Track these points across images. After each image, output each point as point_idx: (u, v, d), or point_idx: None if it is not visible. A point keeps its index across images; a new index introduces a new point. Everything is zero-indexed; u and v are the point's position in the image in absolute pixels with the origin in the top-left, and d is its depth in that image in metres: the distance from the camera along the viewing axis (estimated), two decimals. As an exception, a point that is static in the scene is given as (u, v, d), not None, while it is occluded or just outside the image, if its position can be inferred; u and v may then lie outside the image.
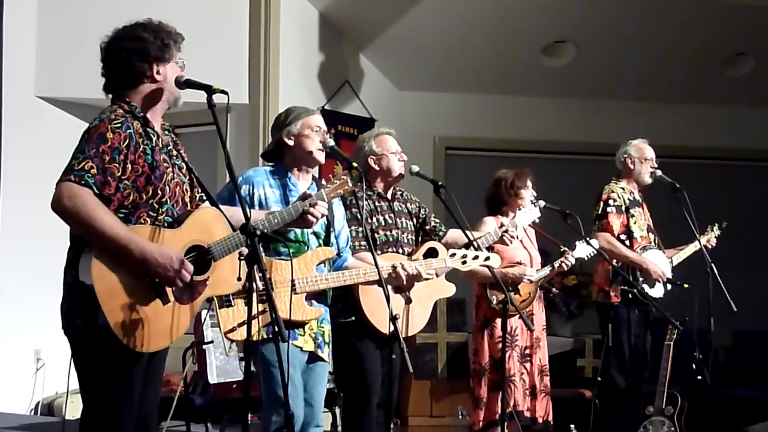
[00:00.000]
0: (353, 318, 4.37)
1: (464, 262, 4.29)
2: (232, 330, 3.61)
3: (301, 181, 3.97)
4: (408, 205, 4.80)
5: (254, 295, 2.99)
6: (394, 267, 4.11)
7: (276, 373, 3.63)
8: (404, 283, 4.18)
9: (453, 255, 4.29)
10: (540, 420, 5.41)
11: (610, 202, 5.81)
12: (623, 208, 5.82)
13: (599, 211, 5.81)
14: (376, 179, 4.65)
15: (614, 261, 5.65)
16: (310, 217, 3.53)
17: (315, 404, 3.94)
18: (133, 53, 3.13)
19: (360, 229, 4.38)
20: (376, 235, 4.52)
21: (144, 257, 2.93)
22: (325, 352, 3.98)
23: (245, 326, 3.56)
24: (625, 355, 5.72)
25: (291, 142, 3.95)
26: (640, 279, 5.66)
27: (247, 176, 3.91)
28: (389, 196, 4.70)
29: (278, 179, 3.94)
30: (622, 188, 5.90)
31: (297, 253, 3.80)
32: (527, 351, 5.39)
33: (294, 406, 3.68)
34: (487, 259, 4.35)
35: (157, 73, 3.15)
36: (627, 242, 5.77)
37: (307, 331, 3.87)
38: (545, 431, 5.46)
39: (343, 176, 3.64)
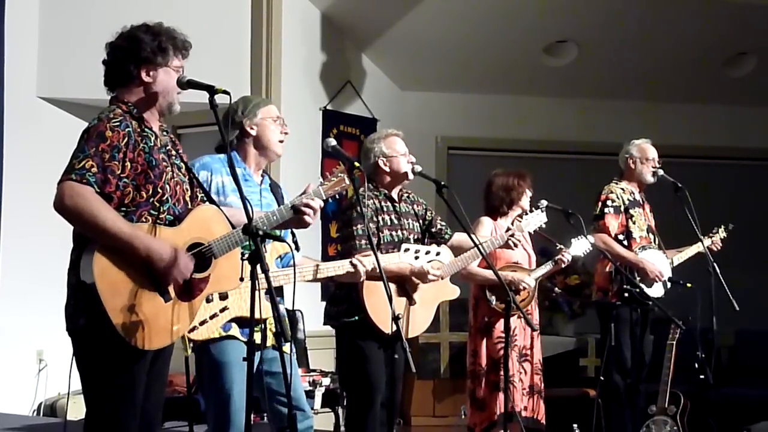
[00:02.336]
0: (357, 318, 4.37)
1: (417, 258, 4.22)
2: (194, 329, 3.52)
3: (255, 176, 3.90)
4: (415, 206, 4.80)
5: (257, 294, 2.98)
6: (351, 263, 4.00)
7: (227, 377, 3.53)
8: (361, 279, 4.07)
9: (406, 250, 4.22)
10: (533, 419, 5.42)
11: (608, 202, 5.83)
12: (622, 208, 5.83)
13: (597, 212, 5.84)
14: (384, 180, 4.65)
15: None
16: (305, 217, 3.43)
17: (302, 405, 3.82)
18: (123, 52, 3.14)
19: (363, 227, 4.38)
20: (381, 234, 4.52)
21: (148, 253, 2.94)
22: (286, 346, 3.90)
23: (205, 325, 3.52)
24: (625, 355, 5.73)
25: (253, 132, 3.87)
26: (637, 279, 5.66)
27: (205, 163, 3.80)
28: (395, 196, 4.70)
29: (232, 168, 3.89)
30: (622, 189, 5.92)
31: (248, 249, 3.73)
32: (525, 351, 5.39)
33: (239, 415, 3.51)
34: (438, 254, 4.29)
35: (147, 75, 3.14)
36: (625, 242, 5.79)
37: (268, 326, 3.70)
38: (538, 431, 5.46)
39: (340, 174, 3.59)
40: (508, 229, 5.03)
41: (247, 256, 3.00)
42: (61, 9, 6.87)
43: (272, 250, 3.76)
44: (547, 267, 5.40)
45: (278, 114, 3.95)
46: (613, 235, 5.77)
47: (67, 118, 6.87)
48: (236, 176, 3.09)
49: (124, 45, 3.14)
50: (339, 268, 3.98)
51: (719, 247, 5.95)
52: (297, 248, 3.92)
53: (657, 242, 5.94)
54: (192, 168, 3.72)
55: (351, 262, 4.00)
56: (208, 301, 3.48)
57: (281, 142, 3.91)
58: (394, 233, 4.58)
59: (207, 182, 3.73)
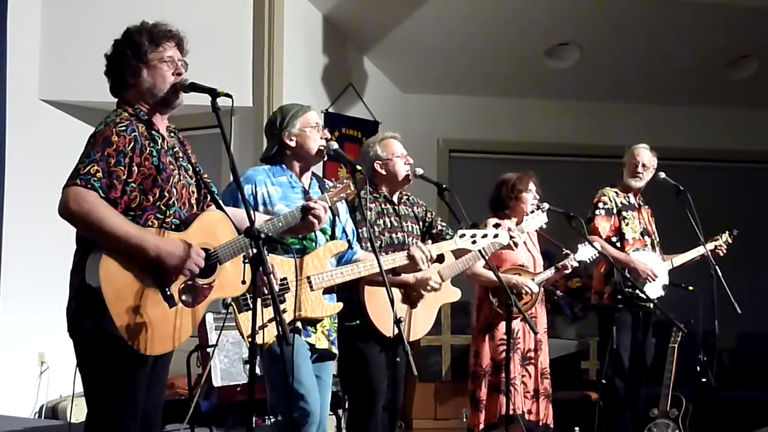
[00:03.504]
0: (358, 321, 4.37)
1: (474, 242, 4.26)
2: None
3: (302, 180, 3.97)
4: (414, 209, 4.80)
5: (258, 297, 2.99)
6: (410, 254, 4.06)
7: (294, 367, 3.59)
8: (424, 263, 4.11)
9: (463, 236, 4.26)
10: (540, 423, 5.41)
11: (600, 205, 5.91)
12: (614, 211, 5.90)
13: (588, 215, 5.89)
14: (382, 183, 4.65)
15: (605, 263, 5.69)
16: (311, 218, 3.49)
17: (321, 410, 3.92)
18: (110, 62, 3.19)
19: (365, 230, 4.38)
20: (381, 237, 4.52)
21: (158, 252, 2.94)
22: (336, 347, 3.98)
23: (267, 329, 3.57)
24: (624, 358, 5.74)
25: (293, 143, 3.95)
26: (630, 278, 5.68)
27: (249, 175, 3.88)
28: (395, 199, 4.70)
29: (279, 177, 3.93)
30: (616, 192, 5.99)
31: (307, 250, 3.79)
32: (529, 354, 5.39)
33: (312, 399, 3.69)
34: (496, 236, 4.31)
35: (132, 77, 3.15)
36: (618, 244, 5.84)
37: (320, 328, 3.86)
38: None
39: (345, 179, 3.64)
40: (509, 230, 5.03)
41: (249, 258, 3.00)
42: (63, 11, 6.87)
43: (326, 250, 3.80)
44: (551, 272, 5.40)
45: (317, 120, 4.01)
46: (604, 237, 5.83)
47: (69, 121, 6.87)
48: (237, 178, 3.12)
49: (109, 55, 3.19)
50: (396, 261, 4.03)
51: (724, 252, 5.96)
52: (350, 247, 4.05)
53: (655, 245, 5.96)
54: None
55: (408, 252, 4.06)
56: (265, 306, 3.49)
57: (323, 147, 3.96)
58: (394, 235, 4.58)
59: (252, 195, 3.79)
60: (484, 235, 4.27)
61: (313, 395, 3.72)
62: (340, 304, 3.91)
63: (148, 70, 3.15)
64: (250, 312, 3.54)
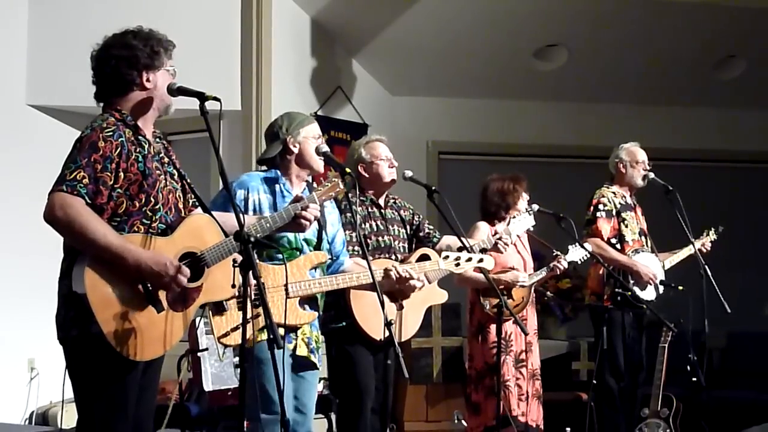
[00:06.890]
0: (344, 324, 4.36)
1: (457, 265, 4.29)
2: (226, 335, 3.60)
3: (295, 188, 3.97)
4: (401, 212, 4.79)
5: (249, 301, 2.99)
6: (386, 270, 4.11)
7: (266, 371, 3.62)
8: (396, 285, 4.17)
9: (446, 257, 4.28)
10: (533, 425, 5.41)
11: (600, 206, 5.86)
12: (614, 212, 5.86)
13: (589, 216, 5.86)
14: (367, 186, 4.65)
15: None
16: (302, 220, 3.51)
17: (307, 411, 3.94)
18: (122, 61, 3.14)
19: (354, 234, 4.38)
20: (368, 240, 4.52)
21: (138, 265, 2.93)
22: (316, 358, 3.98)
23: (239, 331, 3.57)
24: (619, 358, 5.74)
25: (296, 149, 3.96)
26: (631, 282, 5.68)
27: (242, 181, 3.90)
28: (382, 202, 4.70)
29: (271, 185, 3.93)
30: (614, 193, 5.94)
31: (290, 259, 3.79)
32: (522, 356, 5.39)
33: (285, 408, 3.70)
34: (481, 261, 4.35)
35: (147, 80, 3.15)
36: (618, 246, 5.82)
37: (300, 335, 3.87)
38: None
39: (333, 179, 3.64)
40: (495, 233, 5.03)
41: (239, 263, 2.99)
42: (51, 16, 6.85)
43: (306, 260, 3.81)
44: (542, 273, 5.41)
45: (319, 133, 4.02)
46: (605, 239, 5.80)
47: (57, 126, 6.84)
48: (226, 182, 3.11)
49: (123, 53, 3.14)
50: (378, 277, 4.02)
51: (708, 249, 5.97)
52: (334, 258, 4.06)
53: (650, 246, 5.96)
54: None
55: (386, 269, 4.12)
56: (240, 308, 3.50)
57: (319, 157, 3.97)
58: (380, 239, 4.58)
59: (243, 200, 3.81)
60: (469, 259, 4.30)
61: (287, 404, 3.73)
62: (315, 313, 3.92)
63: (162, 76, 3.17)
64: (224, 313, 3.56)
